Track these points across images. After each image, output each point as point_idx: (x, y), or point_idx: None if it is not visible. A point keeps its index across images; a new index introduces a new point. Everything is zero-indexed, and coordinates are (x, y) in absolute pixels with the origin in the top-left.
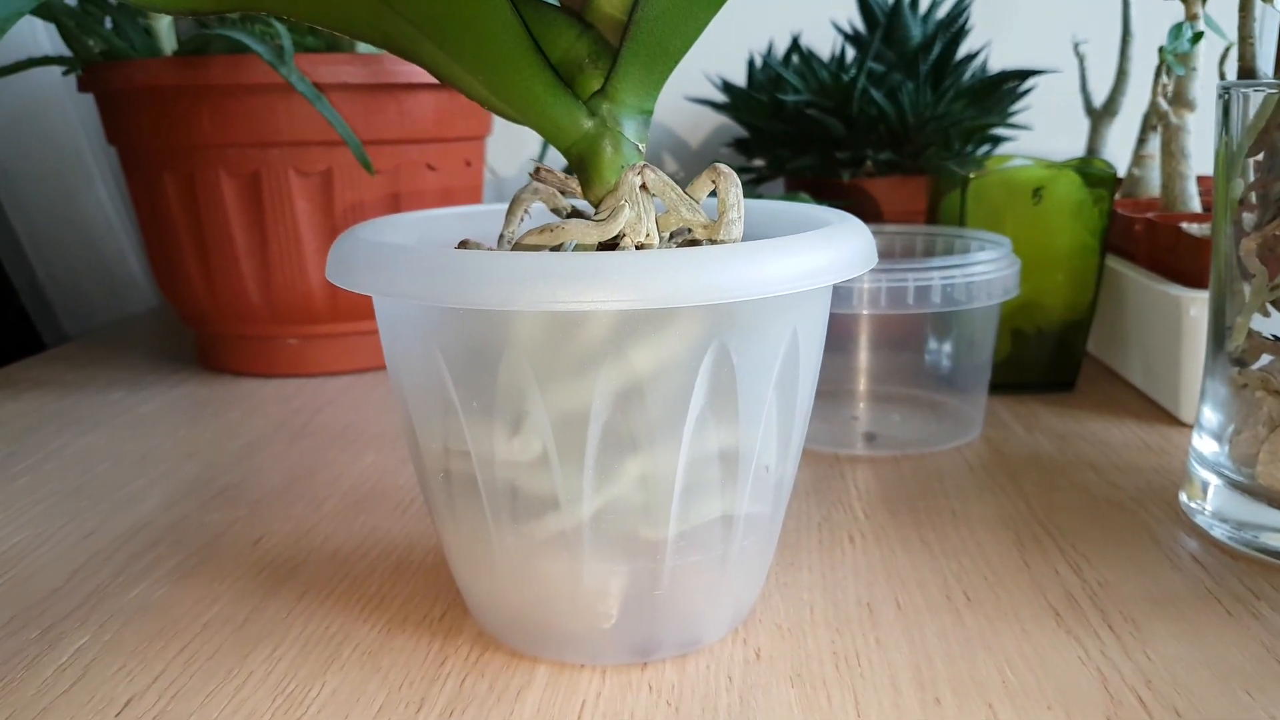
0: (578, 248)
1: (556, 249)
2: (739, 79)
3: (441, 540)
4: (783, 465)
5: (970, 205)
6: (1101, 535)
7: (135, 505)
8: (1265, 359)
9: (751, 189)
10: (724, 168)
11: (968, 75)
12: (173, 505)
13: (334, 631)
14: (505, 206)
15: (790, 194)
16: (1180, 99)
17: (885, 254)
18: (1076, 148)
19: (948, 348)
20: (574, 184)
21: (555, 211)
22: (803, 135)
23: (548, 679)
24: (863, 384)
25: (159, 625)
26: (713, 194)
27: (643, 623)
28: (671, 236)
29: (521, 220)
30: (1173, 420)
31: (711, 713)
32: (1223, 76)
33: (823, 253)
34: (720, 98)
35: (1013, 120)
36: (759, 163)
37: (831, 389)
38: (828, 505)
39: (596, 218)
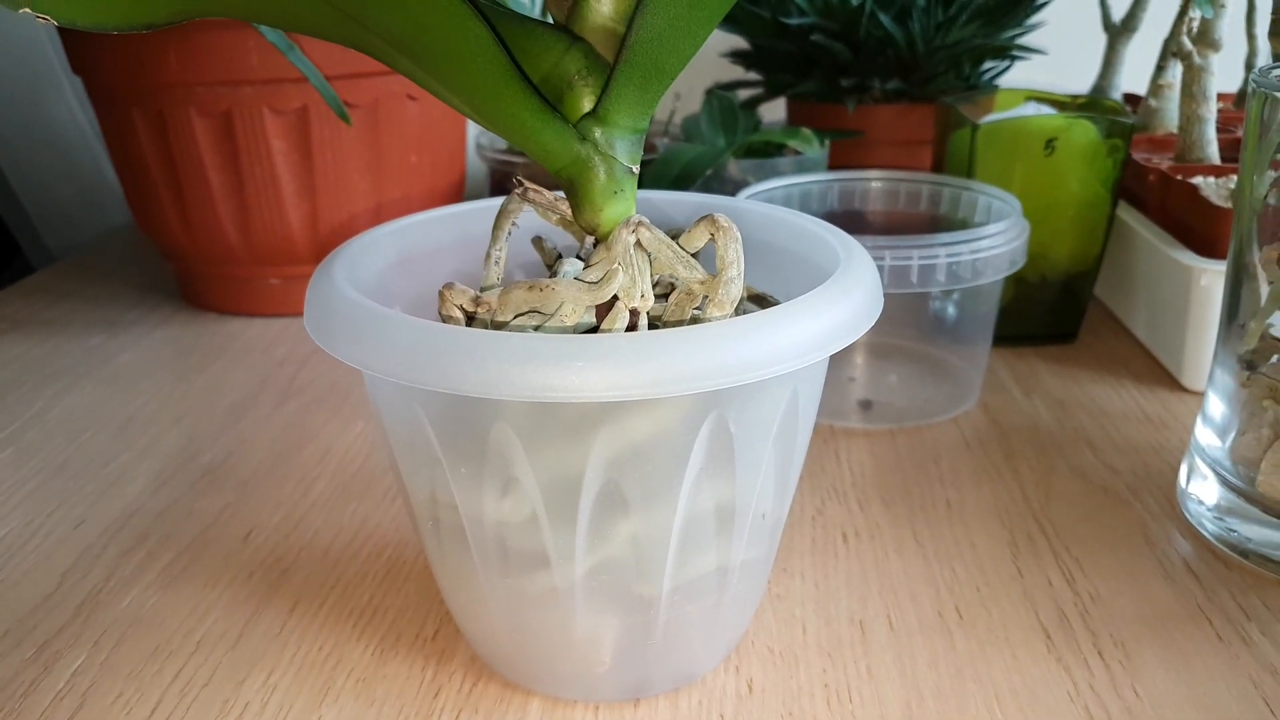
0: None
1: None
2: None
3: (433, 571)
4: (779, 508)
5: (980, 151)
6: (1096, 534)
7: (123, 486)
8: (1276, 358)
9: (750, 111)
10: (723, 220)
11: None
12: (160, 487)
13: (327, 653)
14: (489, 204)
15: (792, 129)
16: (1205, 38)
17: (889, 203)
18: (1092, 65)
19: (953, 302)
20: (563, 206)
21: (544, 216)
22: (806, 58)
23: (540, 717)
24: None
25: (154, 642)
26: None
27: (636, 667)
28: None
29: (509, 234)
30: (1174, 384)
31: None
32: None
33: (824, 318)
34: None
35: (1026, 42)
36: (758, 76)
37: None
38: (822, 494)
39: (589, 277)
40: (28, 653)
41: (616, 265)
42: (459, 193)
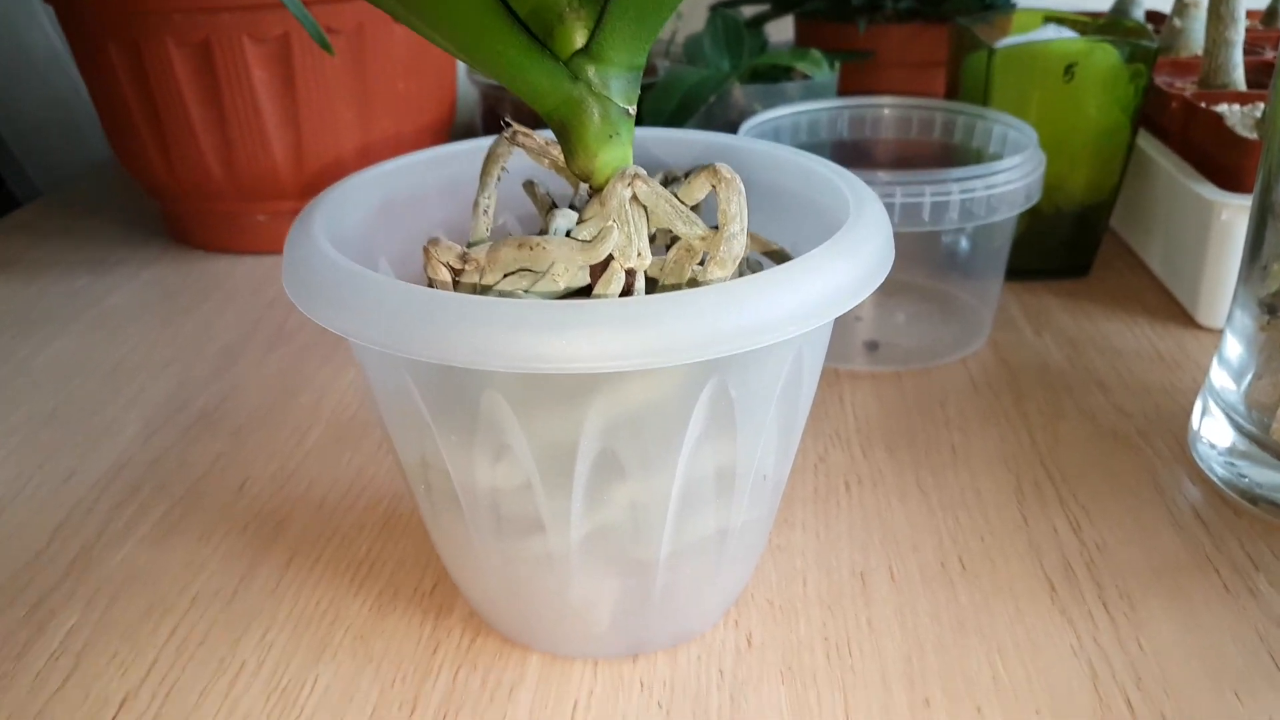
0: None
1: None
2: None
3: (428, 531)
4: (781, 469)
5: (996, 77)
6: (1104, 480)
7: (113, 436)
8: None
9: (756, 31)
10: (725, 171)
11: None
12: (152, 436)
13: (324, 608)
14: (478, 145)
15: (800, 50)
16: None
17: (901, 131)
18: None
19: (966, 237)
20: (555, 150)
21: (536, 160)
22: None
23: (539, 674)
24: None
25: (148, 599)
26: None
27: (634, 627)
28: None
29: (498, 180)
30: (1189, 321)
31: (702, 714)
32: None
33: (830, 279)
34: None
35: None
36: None
37: None
38: (825, 441)
39: (582, 235)
40: (20, 612)
41: (611, 223)
42: (449, 122)
